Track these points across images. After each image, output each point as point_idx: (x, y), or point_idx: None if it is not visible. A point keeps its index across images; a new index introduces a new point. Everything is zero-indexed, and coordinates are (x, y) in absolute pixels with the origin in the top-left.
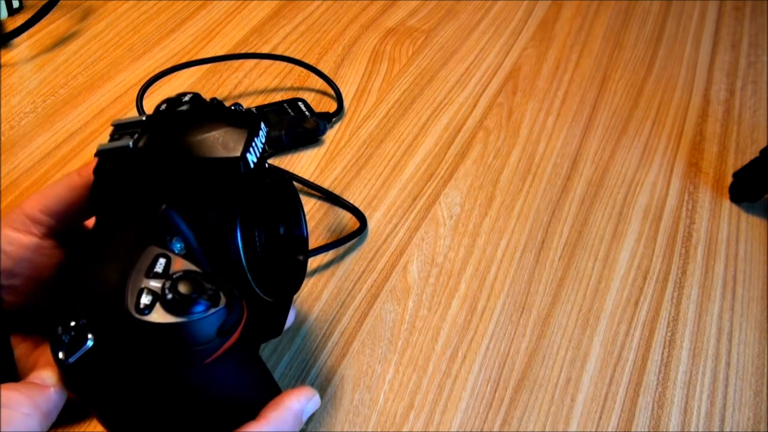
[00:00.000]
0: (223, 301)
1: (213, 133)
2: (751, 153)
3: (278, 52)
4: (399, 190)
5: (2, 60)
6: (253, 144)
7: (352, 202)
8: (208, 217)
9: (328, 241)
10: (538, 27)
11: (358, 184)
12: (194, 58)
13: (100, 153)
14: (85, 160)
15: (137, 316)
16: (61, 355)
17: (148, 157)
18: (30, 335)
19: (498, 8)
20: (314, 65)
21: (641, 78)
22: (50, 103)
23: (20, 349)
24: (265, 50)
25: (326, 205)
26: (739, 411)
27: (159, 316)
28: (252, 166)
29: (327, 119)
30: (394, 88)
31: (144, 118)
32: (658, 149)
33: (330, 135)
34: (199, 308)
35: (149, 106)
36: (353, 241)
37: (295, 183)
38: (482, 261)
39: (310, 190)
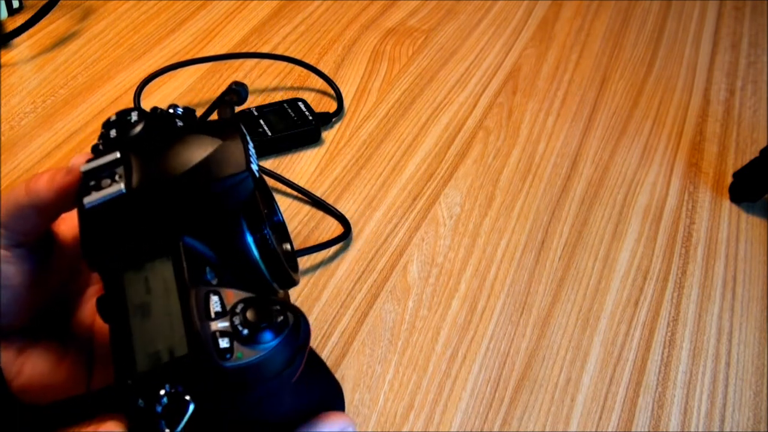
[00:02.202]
0: (291, 317)
1: (209, 151)
2: (751, 153)
3: (278, 52)
4: (399, 190)
5: (2, 60)
6: (250, 150)
7: (352, 201)
8: (219, 233)
9: (312, 245)
10: (538, 27)
11: (358, 184)
12: (193, 57)
13: (90, 210)
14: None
15: (225, 364)
16: (165, 428)
17: (148, 197)
18: (12, 341)
19: (498, 8)
20: (314, 65)
21: (641, 78)
22: (50, 103)
23: (5, 356)
24: (265, 50)
25: (314, 211)
26: (739, 411)
27: (243, 354)
28: (257, 174)
29: (327, 119)
30: (394, 88)
31: (118, 156)
32: (658, 149)
33: (330, 135)
34: (274, 333)
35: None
36: (340, 244)
37: (285, 187)
38: (482, 261)
39: (299, 195)
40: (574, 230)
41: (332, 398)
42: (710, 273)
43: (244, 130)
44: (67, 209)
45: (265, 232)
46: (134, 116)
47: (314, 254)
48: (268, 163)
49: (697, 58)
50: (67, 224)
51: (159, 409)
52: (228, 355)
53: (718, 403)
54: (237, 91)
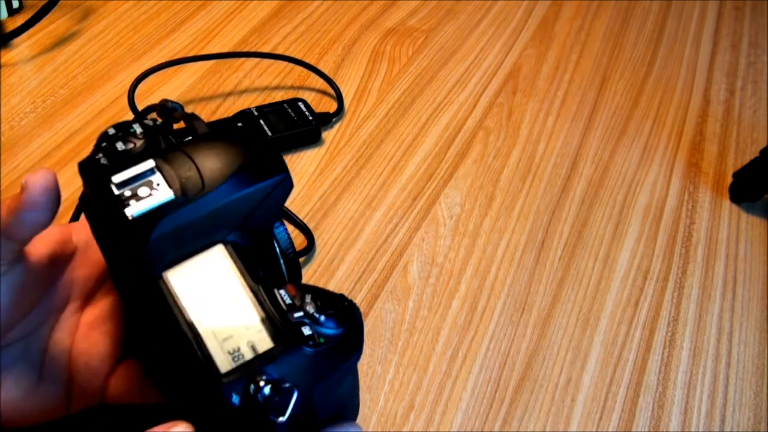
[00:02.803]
0: (352, 306)
1: (242, 157)
2: (751, 153)
3: (278, 52)
4: (399, 190)
5: (2, 60)
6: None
7: (352, 201)
8: (257, 232)
9: None
10: (538, 27)
11: (358, 184)
12: (194, 55)
13: (136, 220)
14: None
15: (314, 350)
16: (275, 418)
17: (198, 203)
18: None
19: (498, 8)
20: (314, 65)
21: (641, 78)
22: (50, 103)
23: None
24: (265, 50)
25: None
26: (740, 411)
27: (325, 339)
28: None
29: (327, 119)
30: (394, 88)
31: (153, 164)
32: (658, 149)
33: (330, 135)
34: (342, 319)
35: (146, 105)
36: (317, 248)
37: None
38: (482, 261)
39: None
40: (574, 230)
41: (356, 394)
42: (710, 273)
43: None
44: (37, 230)
45: (282, 228)
46: (138, 129)
47: (314, 255)
48: None
49: (697, 58)
50: (40, 242)
51: (261, 400)
52: (311, 342)
53: (718, 403)
54: (171, 109)
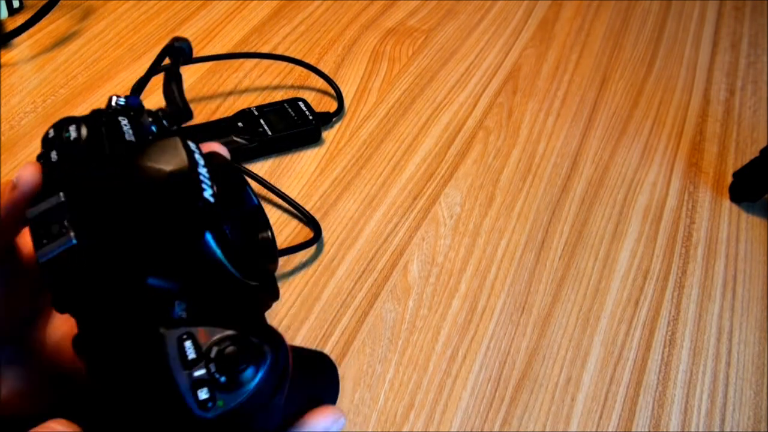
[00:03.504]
0: (267, 348)
1: (156, 185)
2: (751, 153)
3: (278, 52)
4: (399, 189)
5: (2, 60)
6: (201, 173)
7: (352, 201)
8: (178, 256)
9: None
10: (538, 27)
11: (359, 183)
12: (194, 57)
13: (44, 265)
14: None
15: (208, 416)
16: None
17: (101, 246)
18: None
19: (498, 8)
20: (314, 65)
21: (641, 78)
22: (50, 103)
23: None
24: (265, 50)
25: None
26: (740, 410)
27: (224, 401)
28: (212, 194)
29: (327, 119)
30: (394, 88)
31: (62, 199)
32: (658, 149)
33: (330, 135)
34: (254, 371)
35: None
36: (312, 248)
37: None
38: (482, 260)
39: (273, 197)
40: (574, 230)
41: (326, 385)
42: (710, 272)
43: (191, 145)
44: (23, 225)
45: (225, 228)
46: (72, 132)
47: (314, 254)
48: (269, 163)
49: (697, 58)
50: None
51: None
52: (210, 404)
53: (718, 402)
54: (180, 49)
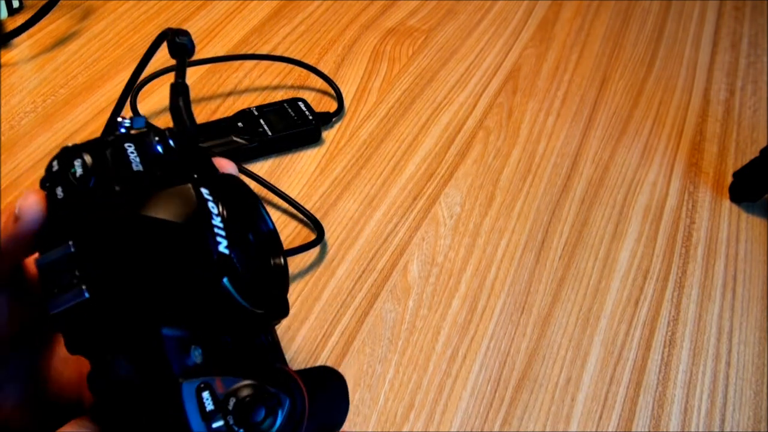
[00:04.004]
0: (284, 396)
1: (167, 223)
2: (751, 153)
3: (278, 52)
4: (399, 189)
5: (2, 60)
6: (215, 220)
7: (352, 201)
8: (193, 297)
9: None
10: (538, 27)
11: (359, 183)
12: (193, 59)
13: (55, 317)
14: None
15: None
16: None
17: (114, 301)
18: None
19: (498, 8)
20: (314, 65)
21: (641, 78)
22: (50, 103)
23: None
24: (265, 50)
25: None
26: (740, 410)
27: None
28: (225, 238)
29: (327, 119)
30: (394, 88)
31: (71, 250)
32: (658, 149)
33: (330, 135)
34: (272, 420)
35: (147, 107)
36: (317, 248)
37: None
38: (482, 260)
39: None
40: (574, 230)
41: (338, 404)
42: (710, 273)
43: (203, 193)
44: (28, 253)
45: (232, 254)
46: (78, 168)
47: (315, 254)
48: (268, 163)
49: (697, 58)
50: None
51: None
52: None
53: (718, 402)
54: (182, 47)
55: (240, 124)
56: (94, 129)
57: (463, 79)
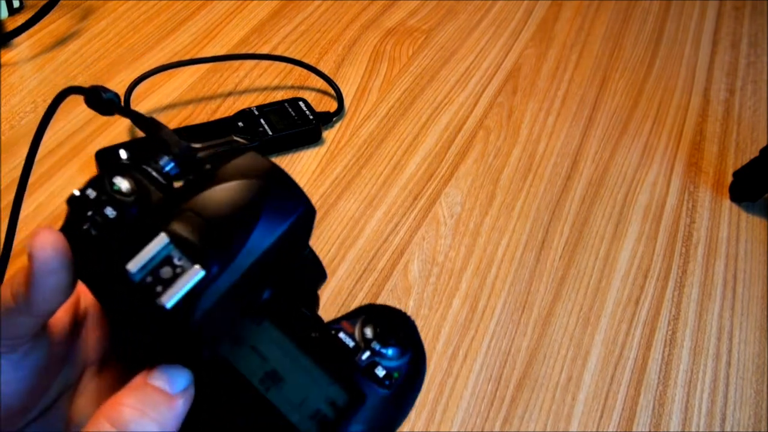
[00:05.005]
0: (408, 320)
1: (260, 205)
2: (751, 153)
3: (278, 52)
4: (399, 189)
5: (2, 60)
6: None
7: (352, 201)
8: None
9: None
10: (538, 27)
11: (359, 183)
12: (194, 58)
13: (174, 309)
14: (85, 160)
15: (391, 391)
16: None
17: (230, 273)
18: None
19: (498, 8)
20: (314, 65)
21: (641, 78)
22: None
23: None
24: (265, 50)
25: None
26: (740, 409)
27: (399, 372)
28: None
29: (327, 119)
30: (394, 87)
31: (166, 240)
32: (658, 149)
33: (330, 134)
34: (405, 342)
35: (147, 107)
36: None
37: None
38: (483, 260)
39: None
40: (574, 229)
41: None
42: (710, 272)
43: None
44: (58, 299)
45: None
46: (123, 185)
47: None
48: None
49: (697, 58)
50: (60, 312)
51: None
52: (387, 382)
53: (718, 401)
54: (109, 101)
55: (240, 123)
56: (94, 129)
57: (463, 79)
